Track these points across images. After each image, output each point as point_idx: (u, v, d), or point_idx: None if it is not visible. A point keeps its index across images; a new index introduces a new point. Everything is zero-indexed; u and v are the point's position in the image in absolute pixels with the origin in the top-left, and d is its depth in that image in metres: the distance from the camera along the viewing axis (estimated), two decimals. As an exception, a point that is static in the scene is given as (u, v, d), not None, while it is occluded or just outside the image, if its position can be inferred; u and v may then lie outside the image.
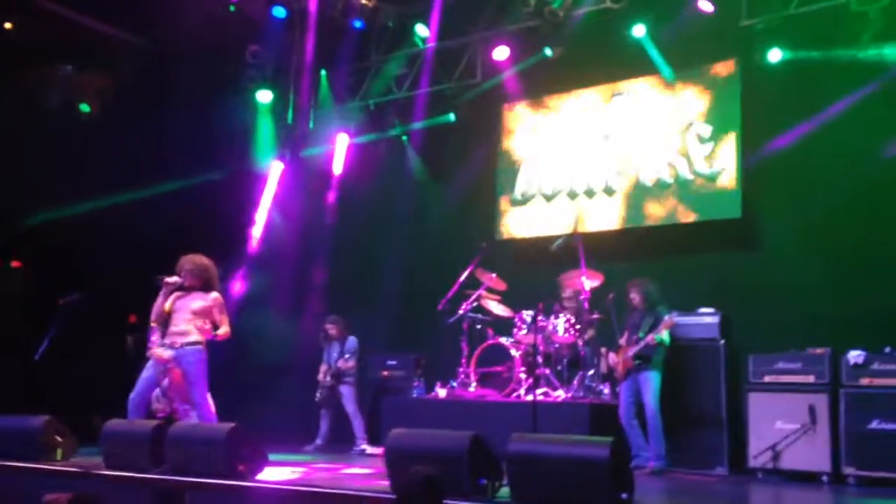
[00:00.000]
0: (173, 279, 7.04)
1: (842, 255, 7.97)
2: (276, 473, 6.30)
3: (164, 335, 6.94)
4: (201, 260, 7.15)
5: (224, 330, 7.00)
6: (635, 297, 7.72)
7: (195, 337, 6.89)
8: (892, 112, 7.80)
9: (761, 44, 8.36)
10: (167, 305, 7.02)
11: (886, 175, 7.75)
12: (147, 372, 6.97)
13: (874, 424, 6.93)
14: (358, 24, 10.21)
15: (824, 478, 7.05)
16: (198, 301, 7.00)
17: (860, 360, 7.10)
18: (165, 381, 6.79)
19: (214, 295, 7.05)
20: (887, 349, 7.10)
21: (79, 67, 10.44)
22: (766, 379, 7.49)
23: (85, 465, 6.54)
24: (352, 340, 9.39)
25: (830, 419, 7.12)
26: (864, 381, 7.06)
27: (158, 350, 6.80)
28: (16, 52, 9.95)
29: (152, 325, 6.93)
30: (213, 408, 6.96)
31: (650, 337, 7.43)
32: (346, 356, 9.26)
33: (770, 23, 8.23)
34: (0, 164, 9.74)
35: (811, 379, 7.30)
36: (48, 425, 7.02)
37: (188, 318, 6.92)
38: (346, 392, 9.27)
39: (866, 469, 6.88)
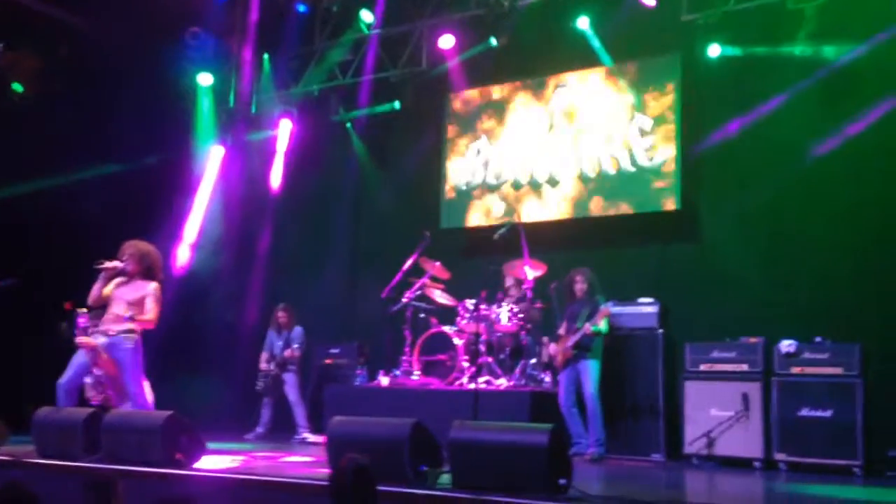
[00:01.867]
0: (113, 264, 6.87)
1: (776, 247, 8.17)
2: (214, 462, 6.22)
3: (99, 321, 6.79)
4: (144, 246, 7.01)
5: (147, 317, 6.78)
6: (579, 282, 7.81)
7: (129, 325, 6.74)
8: (826, 108, 8.00)
9: (701, 39, 8.50)
10: (107, 290, 6.87)
11: (820, 169, 7.94)
12: (79, 358, 6.81)
13: (804, 412, 7.13)
14: (302, 7, 10.08)
15: (757, 464, 7.25)
16: (136, 290, 6.86)
17: (791, 350, 7.29)
18: (97, 370, 6.65)
19: (154, 285, 6.91)
20: (818, 339, 7.31)
21: (10, 46, 10.09)
22: (702, 367, 7.66)
23: (16, 453, 6.38)
24: (298, 330, 9.35)
25: (763, 407, 7.31)
26: (796, 370, 7.26)
27: (85, 338, 6.64)
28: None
29: (82, 310, 6.74)
30: (149, 397, 6.83)
31: (587, 327, 7.52)
32: (295, 346, 9.20)
33: (710, 18, 8.35)
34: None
35: (745, 367, 7.48)
36: (-22, 414, 6.87)
37: (124, 307, 6.78)
38: (289, 380, 9.22)
39: (797, 455, 7.09)
